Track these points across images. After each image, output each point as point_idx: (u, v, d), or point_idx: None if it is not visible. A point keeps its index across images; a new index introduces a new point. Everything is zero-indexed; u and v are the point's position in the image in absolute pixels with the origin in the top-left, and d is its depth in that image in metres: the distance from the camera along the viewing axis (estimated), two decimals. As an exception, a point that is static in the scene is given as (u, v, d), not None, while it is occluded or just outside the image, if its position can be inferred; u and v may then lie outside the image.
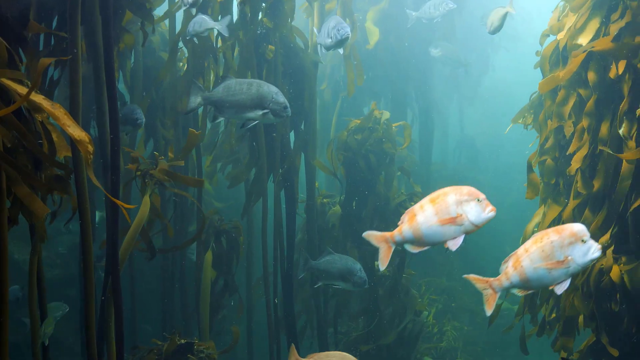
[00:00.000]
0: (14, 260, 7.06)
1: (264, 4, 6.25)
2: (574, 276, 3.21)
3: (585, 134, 5.04)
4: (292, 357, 3.69)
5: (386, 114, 7.28)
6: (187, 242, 5.74)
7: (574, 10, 5.10)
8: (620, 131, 4.71)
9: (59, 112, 3.05)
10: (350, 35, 5.47)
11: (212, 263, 6.42)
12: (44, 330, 4.31)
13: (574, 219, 5.18)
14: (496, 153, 16.07)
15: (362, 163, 7.08)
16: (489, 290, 3.25)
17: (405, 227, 3.19)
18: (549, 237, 3.13)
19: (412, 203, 6.67)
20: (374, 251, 7.27)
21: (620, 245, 4.88)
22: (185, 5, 5.34)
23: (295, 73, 6.54)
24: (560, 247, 3.10)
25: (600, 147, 4.90)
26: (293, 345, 3.77)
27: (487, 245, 10.80)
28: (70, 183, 3.79)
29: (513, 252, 3.23)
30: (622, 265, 4.79)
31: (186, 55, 6.67)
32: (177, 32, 6.43)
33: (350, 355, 3.66)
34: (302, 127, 6.72)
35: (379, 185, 7.19)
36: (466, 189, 3.13)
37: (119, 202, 3.72)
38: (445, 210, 3.10)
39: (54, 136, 3.30)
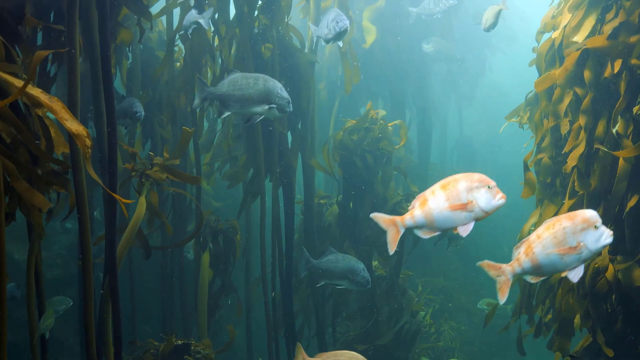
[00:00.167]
0: (14, 260, 7.06)
1: (260, 1, 6.26)
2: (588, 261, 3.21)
3: (582, 132, 5.04)
4: (299, 356, 3.68)
5: (382, 113, 7.30)
6: (185, 239, 5.74)
7: (571, 10, 5.11)
8: (615, 130, 4.72)
9: (57, 106, 3.05)
10: (349, 27, 5.50)
11: (210, 263, 6.43)
12: (43, 322, 4.30)
13: (569, 218, 5.17)
14: (494, 154, 16.08)
15: (359, 163, 7.09)
16: (502, 277, 3.25)
17: (418, 211, 3.19)
18: (562, 224, 3.14)
19: (409, 204, 6.67)
20: (371, 251, 7.32)
21: (616, 246, 4.89)
22: None
23: (292, 72, 6.55)
24: (573, 233, 3.11)
25: (596, 146, 4.91)
26: (300, 345, 3.75)
27: (486, 245, 10.82)
28: (70, 179, 3.79)
29: (525, 239, 3.24)
30: (617, 264, 4.80)
31: (184, 53, 6.67)
32: (174, 29, 6.43)
33: (359, 355, 3.65)
34: (300, 126, 6.72)
35: (376, 185, 7.20)
36: (477, 176, 3.15)
37: (116, 196, 3.71)
38: (456, 197, 3.11)
39: (52, 131, 3.30)
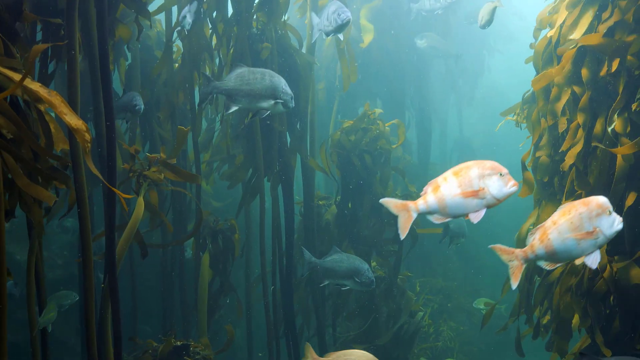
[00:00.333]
0: (16, 260, 7.06)
1: (257, -1, 6.27)
2: (600, 246, 3.23)
3: (580, 130, 5.04)
4: (308, 355, 3.67)
5: (378, 111, 7.31)
6: (184, 237, 5.73)
7: (567, 7, 5.10)
8: (611, 128, 4.72)
9: (56, 100, 3.05)
10: (351, 19, 5.50)
11: (209, 263, 6.43)
12: (44, 316, 4.29)
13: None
14: (493, 154, 16.07)
15: (357, 163, 7.08)
16: (515, 262, 3.29)
17: (431, 197, 3.21)
18: (577, 209, 3.18)
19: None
20: (369, 251, 7.31)
21: (615, 246, 4.88)
22: None
23: (290, 73, 6.55)
24: (589, 218, 3.16)
25: (594, 144, 4.91)
26: (309, 344, 3.76)
27: (485, 244, 10.78)
28: (70, 176, 3.79)
29: (540, 225, 3.27)
30: (615, 264, 4.79)
31: (182, 53, 6.67)
32: (172, 25, 6.43)
33: (369, 354, 3.65)
34: (298, 126, 6.72)
35: (375, 185, 7.19)
36: (489, 163, 3.17)
37: (116, 190, 3.71)
38: (468, 183, 3.13)
39: (52, 127, 3.30)
